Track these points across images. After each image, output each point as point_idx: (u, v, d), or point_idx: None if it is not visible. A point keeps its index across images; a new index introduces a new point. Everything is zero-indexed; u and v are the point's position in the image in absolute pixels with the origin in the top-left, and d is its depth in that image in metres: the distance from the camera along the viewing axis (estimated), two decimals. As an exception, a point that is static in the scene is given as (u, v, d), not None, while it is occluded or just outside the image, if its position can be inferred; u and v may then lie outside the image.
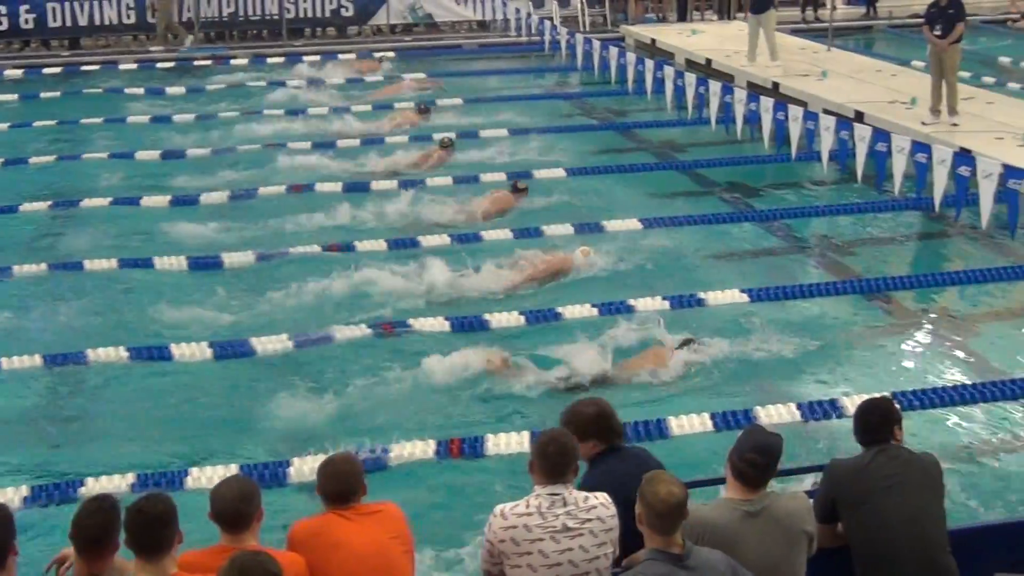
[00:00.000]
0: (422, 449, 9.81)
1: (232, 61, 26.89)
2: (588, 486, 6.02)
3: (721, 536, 5.79)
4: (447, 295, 13.22)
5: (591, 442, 6.32)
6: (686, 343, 11.37)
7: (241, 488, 5.61)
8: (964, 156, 14.78)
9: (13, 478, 9.57)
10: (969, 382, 10.96)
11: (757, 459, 5.89)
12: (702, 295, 12.93)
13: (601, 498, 5.87)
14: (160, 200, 16.75)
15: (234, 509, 5.49)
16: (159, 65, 26.60)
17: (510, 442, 9.82)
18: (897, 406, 6.43)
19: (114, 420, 10.67)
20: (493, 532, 5.79)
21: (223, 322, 12.67)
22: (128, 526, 5.33)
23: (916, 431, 9.54)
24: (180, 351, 11.74)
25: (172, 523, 5.36)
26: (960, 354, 11.85)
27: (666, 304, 12.70)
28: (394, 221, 15.93)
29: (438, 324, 12.26)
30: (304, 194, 17.01)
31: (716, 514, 5.91)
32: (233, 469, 9.46)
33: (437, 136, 19.08)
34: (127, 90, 23.97)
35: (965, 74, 21.39)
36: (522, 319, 12.43)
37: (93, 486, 9.10)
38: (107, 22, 27.86)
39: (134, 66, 26.41)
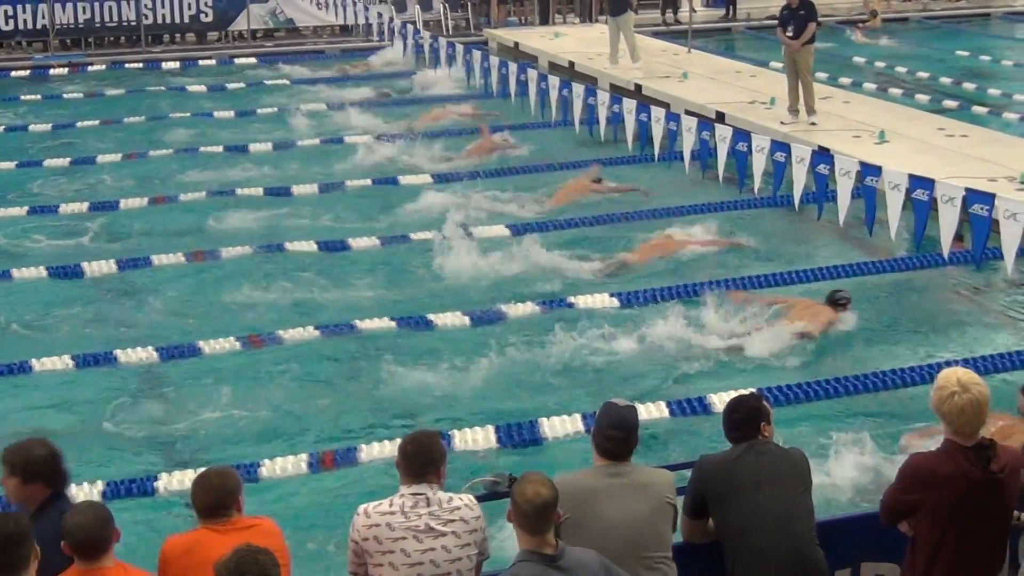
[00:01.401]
0: (294, 463, 9.73)
1: (89, 68, 26.39)
2: (39, 538, 5.34)
3: (586, 493, 5.91)
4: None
5: (37, 485, 5.81)
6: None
7: (96, 513, 5.48)
8: (823, 155, 15.08)
9: None
10: (833, 376, 11.18)
11: (617, 434, 6.05)
12: (572, 299, 13.01)
13: (465, 499, 5.91)
14: (17, 212, 16.39)
15: (95, 535, 5.37)
16: (13, 74, 25.99)
17: (383, 450, 9.78)
18: (765, 402, 6.52)
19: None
20: (356, 531, 5.80)
21: (85, 334, 12.46)
22: None
23: (789, 427, 9.74)
24: (41, 365, 11.49)
25: (25, 543, 5.22)
26: (820, 349, 12.08)
27: (538, 309, 12.77)
28: (259, 227, 15.85)
29: (308, 334, 12.17)
30: (167, 204, 16.79)
31: (581, 476, 6.08)
32: (99, 486, 9.32)
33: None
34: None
35: (822, 74, 21.85)
36: (393, 324, 12.42)
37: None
38: (-42, 30, 27.22)
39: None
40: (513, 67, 21.49)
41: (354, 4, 27.40)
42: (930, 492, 5.78)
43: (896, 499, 5.96)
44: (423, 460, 5.84)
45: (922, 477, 5.82)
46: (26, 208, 16.55)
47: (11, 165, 18.82)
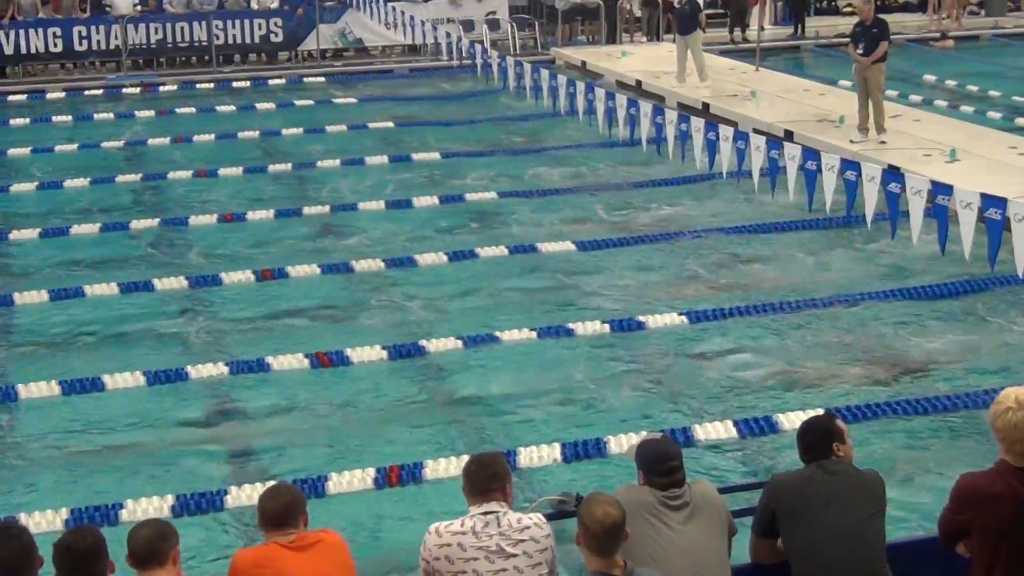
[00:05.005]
0: (361, 478, 9.76)
1: (161, 88, 26.70)
2: None
3: (648, 509, 5.87)
4: None
5: None
6: None
7: (158, 527, 5.59)
8: (893, 173, 14.95)
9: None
10: (913, 397, 11.09)
11: (674, 464, 6.01)
12: (642, 319, 12.98)
13: (535, 519, 5.91)
14: (90, 228, 16.61)
15: (151, 547, 5.43)
16: (87, 93, 26.34)
17: (448, 467, 9.78)
18: (840, 422, 6.45)
19: (47, 455, 10.52)
20: (428, 550, 5.81)
21: (156, 351, 12.59)
22: (59, 563, 5.24)
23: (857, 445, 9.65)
24: (114, 382, 11.61)
25: (102, 556, 5.30)
26: (895, 368, 11.97)
27: (606, 328, 12.74)
28: (326, 244, 15.99)
29: (375, 354, 12.21)
30: (235, 222, 16.95)
31: (644, 491, 5.98)
32: (169, 500, 9.40)
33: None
34: (55, 119, 23.72)
35: (892, 92, 21.66)
36: (459, 342, 12.44)
37: (26, 522, 8.94)
38: (33, 50, 27.55)
39: (62, 94, 26.15)
40: (581, 86, 21.50)
41: (422, 24, 27.50)
42: (980, 512, 5.71)
43: (948, 520, 5.92)
44: (486, 477, 5.87)
45: (971, 497, 5.76)
46: (98, 224, 16.74)
47: (85, 182, 19.04)
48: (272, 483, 6.19)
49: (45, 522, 9.00)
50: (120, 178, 19.30)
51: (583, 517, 5.44)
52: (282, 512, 5.80)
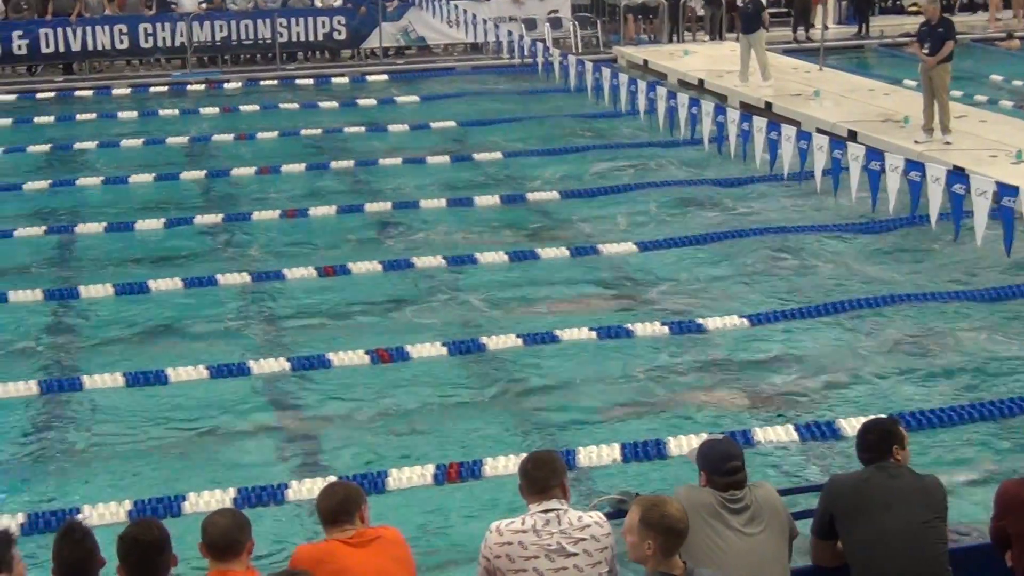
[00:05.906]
0: (420, 474, 9.80)
1: (225, 85, 26.91)
2: None
3: (708, 513, 5.84)
4: None
5: None
6: None
7: (235, 517, 5.64)
8: (958, 174, 14.81)
9: (8, 506, 9.53)
10: (968, 401, 10.98)
11: (736, 464, 5.98)
12: (700, 321, 12.93)
13: (595, 516, 5.91)
14: (155, 223, 16.76)
15: (229, 537, 5.49)
16: (152, 90, 26.60)
17: (508, 464, 9.78)
18: (901, 428, 6.40)
19: (110, 446, 10.63)
20: (489, 548, 5.82)
21: (219, 345, 12.70)
22: (124, 555, 5.29)
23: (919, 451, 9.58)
24: (177, 375, 11.73)
25: (167, 548, 5.36)
26: (962, 372, 11.86)
27: (666, 329, 12.70)
28: (387, 241, 16.07)
29: (435, 350, 12.25)
30: (298, 218, 17.06)
31: (705, 493, 5.95)
32: (231, 493, 9.47)
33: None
34: (120, 115, 23.97)
35: (957, 92, 21.44)
36: (519, 340, 12.44)
37: (90, 513, 9.07)
38: (100, 47, 27.85)
39: (127, 91, 26.41)
40: (642, 85, 21.45)
41: (485, 22, 27.53)
42: (1013, 518, 5.73)
43: (992, 526, 5.92)
44: (546, 474, 5.87)
45: (1008, 503, 5.81)
46: (163, 219, 16.90)
47: (149, 177, 19.26)
48: (331, 479, 6.21)
49: (109, 514, 9.12)
50: (184, 174, 19.50)
51: (657, 522, 5.37)
52: (336, 509, 5.84)
